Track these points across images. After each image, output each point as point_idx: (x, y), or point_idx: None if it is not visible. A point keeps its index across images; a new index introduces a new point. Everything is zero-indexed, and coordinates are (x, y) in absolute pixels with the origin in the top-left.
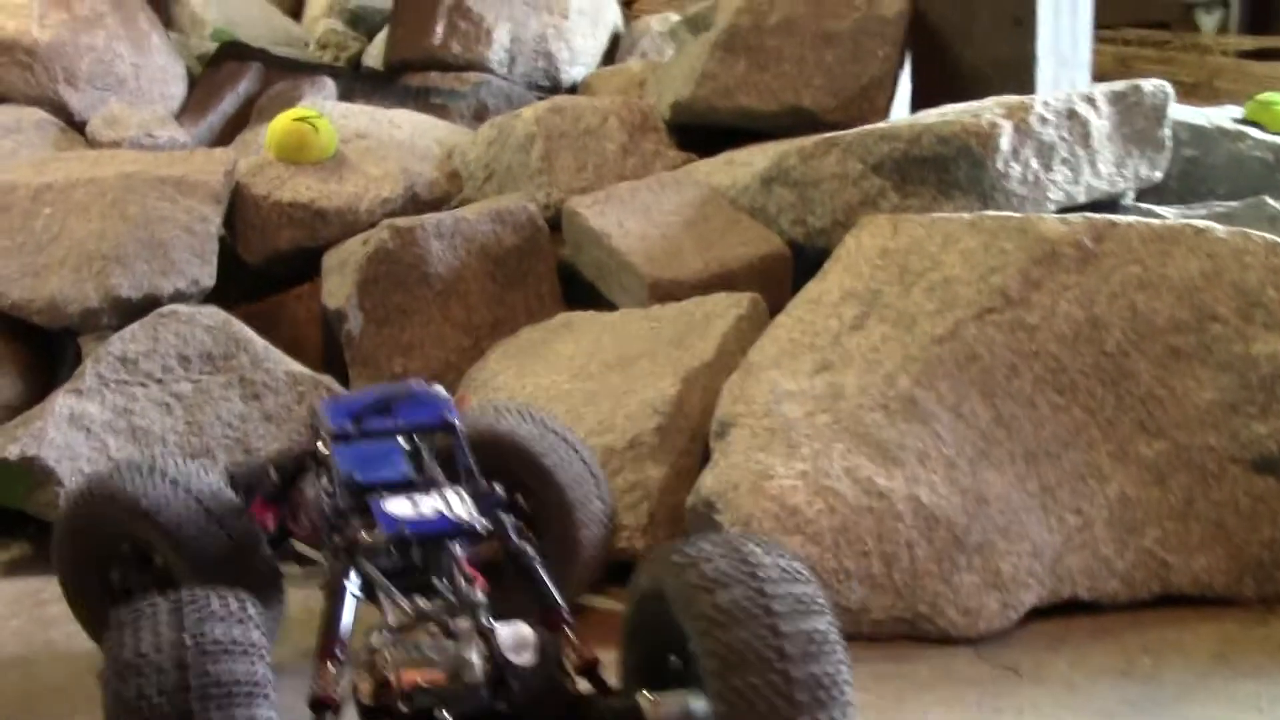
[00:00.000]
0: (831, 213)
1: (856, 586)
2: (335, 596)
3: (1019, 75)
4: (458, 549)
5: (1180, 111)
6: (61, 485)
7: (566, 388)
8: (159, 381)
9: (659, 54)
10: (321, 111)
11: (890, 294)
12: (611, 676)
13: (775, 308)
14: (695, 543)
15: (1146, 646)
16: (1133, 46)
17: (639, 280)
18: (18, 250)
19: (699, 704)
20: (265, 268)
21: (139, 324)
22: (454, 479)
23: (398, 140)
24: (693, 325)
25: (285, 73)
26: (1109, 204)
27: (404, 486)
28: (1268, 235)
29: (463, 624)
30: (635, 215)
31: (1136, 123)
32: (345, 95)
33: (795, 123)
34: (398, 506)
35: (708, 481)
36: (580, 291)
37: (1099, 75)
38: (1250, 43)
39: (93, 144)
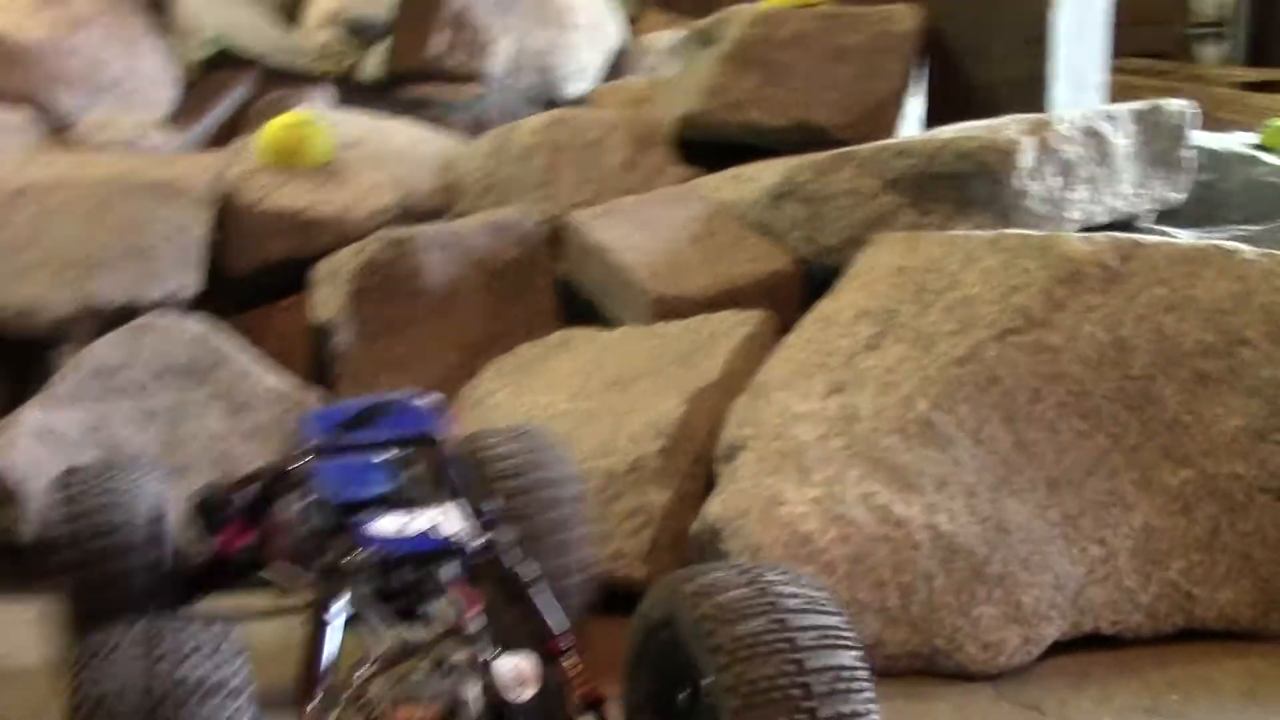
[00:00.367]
0: (844, 230)
1: (871, 619)
2: (317, 626)
3: (1032, 95)
4: (448, 571)
5: (1195, 136)
6: (25, 504)
7: (565, 407)
8: (136, 395)
9: (663, 70)
10: (317, 116)
11: (907, 313)
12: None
13: (784, 327)
14: (710, 570)
15: (1173, 683)
16: (1135, 76)
17: (642, 296)
18: None
19: None
20: (253, 278)
21: (116, 334)
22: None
23: (394, 149)
24: (698, 344)
25: (281, 80)
26: (1128, 225)
27: (388, 504)
28: None
29: (459, 656)
30: (639, 230)
31: (1158, 143)
32: (342, 104)
33: (805, 139)
34: (382, 526)
35: (714, 507)
36: (580, 308)
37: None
38: (1254, 74)
39: (82, 147)
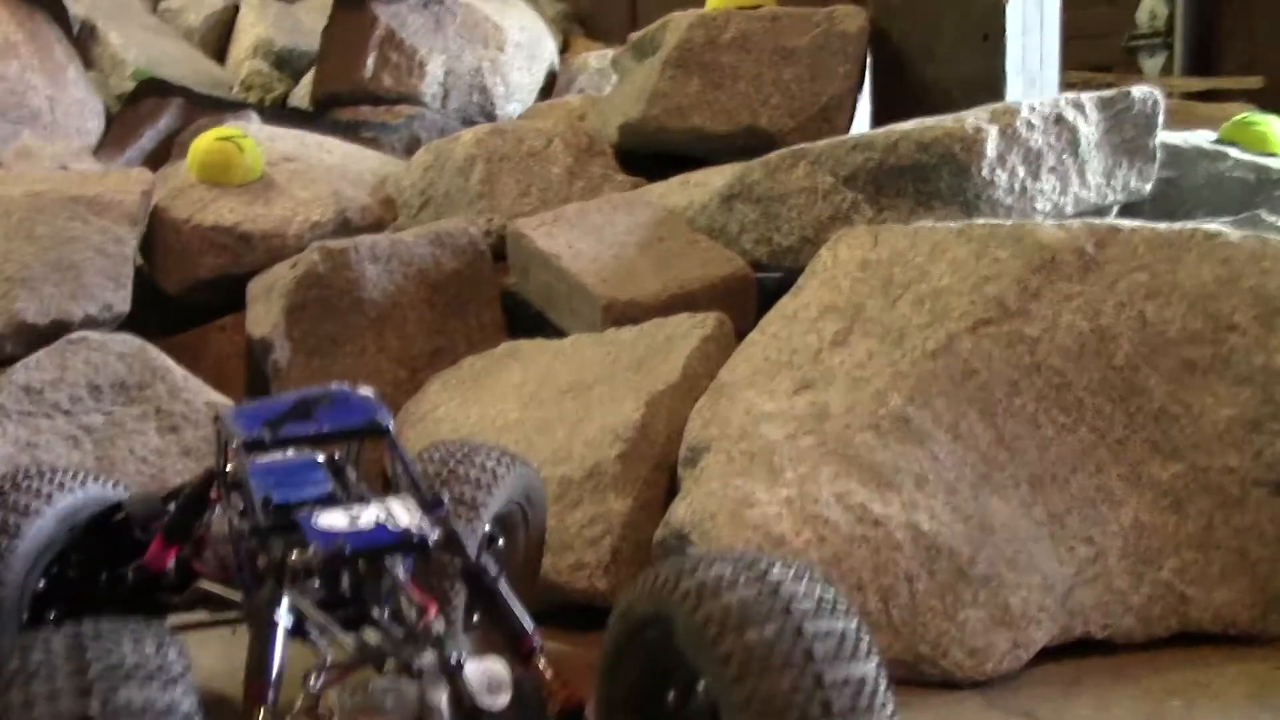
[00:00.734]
0: (799, 229)
1: None
2: (262, 633)
3: (986, 93)
4: (402, 569)
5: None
6: None
7: (516, 417)
8: (66, 413)
9: (597, 90)
10: (247, 132)
11: (874, 307)
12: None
13: (740, 332)
14: (708, 561)
15: (1171, 690)
16: (1078, 90)
17: (591, 303)
18: None
19: None
20: (186, 297)
21: (45, 351)
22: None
23: (328, 165)
24: (653, 348)
25: (208, 109)
26: (1095, 217)
27: (331, 501)
28: None
29: (424, 661)
30: (586, 237)
31: (1126, 131)
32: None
33: (751, 144)
34: (332, 520)
35: (680, 511)
36: (525, 322)
37: None
38: (1197, 84)
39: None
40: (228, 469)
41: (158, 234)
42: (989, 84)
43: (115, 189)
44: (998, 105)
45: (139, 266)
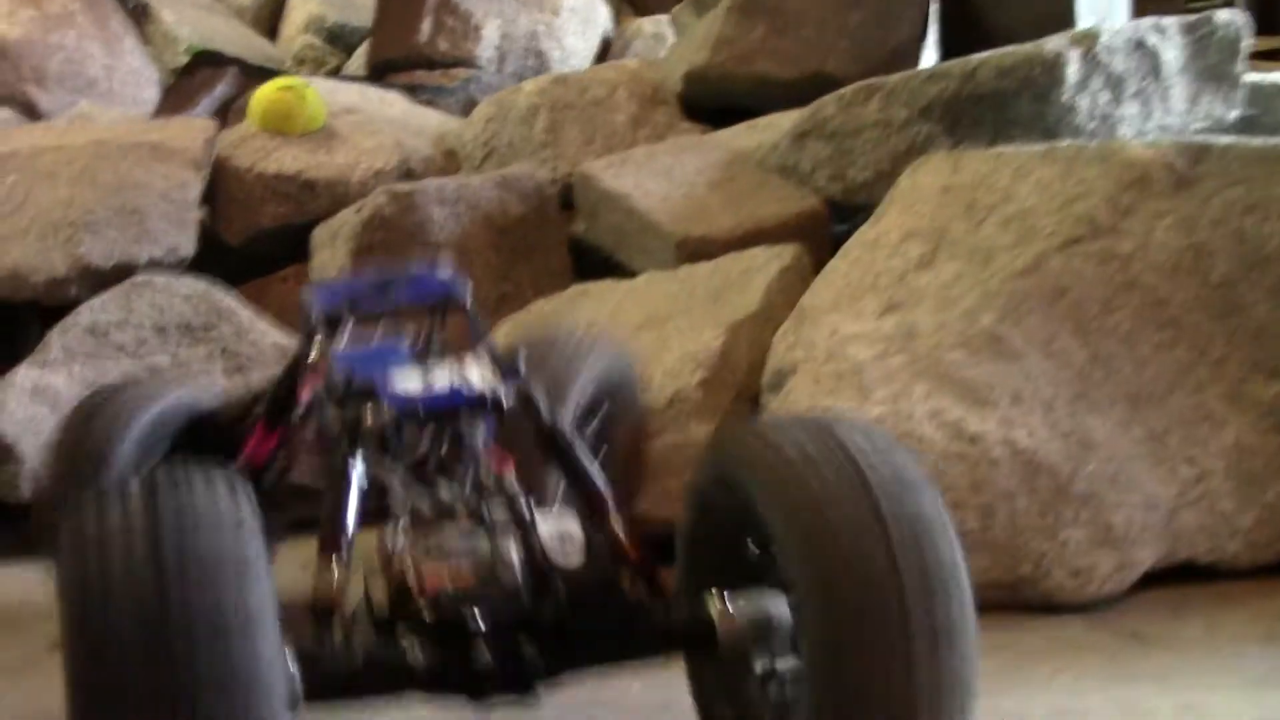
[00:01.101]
0: (875, 164)
1: None
2: (337, 486)
3: (1056, 32)
4: (479, 428)
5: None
6: (22, 462)
7: None
8: (132, 354)
9: (653, 55)
10: (309, 82)
11: (958, 230)
12: None
13: (816, 267)
14: (783, 427)
15: None
16: None
17: (664, 240)
18: None
19: (779, 606)
20: (248, 248)
21: (110, 293)
22: None
23: (389, 117)
24: (730, 281)
25: (263, 78)
26: None
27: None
28: None
29: (497, 515)
30: (655, 177)
31: (1210, 57)
32: None
33: (817, 92)
34: (406, 380)
35: None
36: (593, 270)
37: None
38: (1262, 43)
39: None
40: (316, 340)
41: (219, 184)
42: (1060, 24)
43: (179, 135)
44: (1077, 30)
45: (200, 219)
